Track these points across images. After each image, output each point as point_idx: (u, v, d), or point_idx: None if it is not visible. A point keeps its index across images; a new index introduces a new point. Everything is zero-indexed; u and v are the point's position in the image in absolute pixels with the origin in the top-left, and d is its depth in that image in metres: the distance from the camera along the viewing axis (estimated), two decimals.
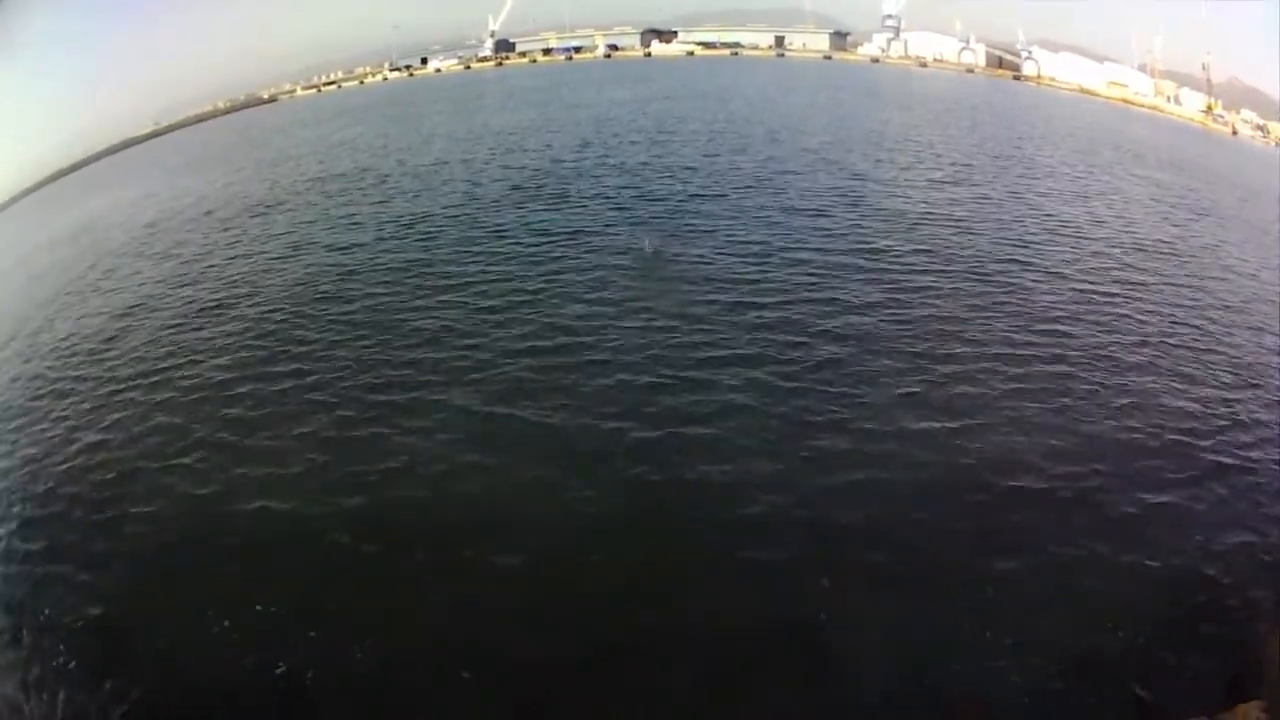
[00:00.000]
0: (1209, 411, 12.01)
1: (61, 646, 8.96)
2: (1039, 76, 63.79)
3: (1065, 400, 11.96)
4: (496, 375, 12.91)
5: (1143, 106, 54.24)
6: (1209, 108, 53.12)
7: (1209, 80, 55.13)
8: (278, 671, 7.77)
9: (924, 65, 71.73)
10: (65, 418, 14.09)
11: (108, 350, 16.75)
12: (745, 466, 10.30)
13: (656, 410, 11.54)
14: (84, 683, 8.40)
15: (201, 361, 15.22)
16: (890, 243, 18.71)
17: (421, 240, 20.95)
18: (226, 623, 8.53)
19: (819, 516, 9.38)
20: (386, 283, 17.84)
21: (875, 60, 75.84)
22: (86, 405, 14.35)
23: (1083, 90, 58.73)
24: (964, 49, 71.28)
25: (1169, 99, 55.69)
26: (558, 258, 18.28)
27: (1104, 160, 31.47)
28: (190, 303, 18.90)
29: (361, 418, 12.14)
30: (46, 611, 9.49)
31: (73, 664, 8.65)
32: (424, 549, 9.20)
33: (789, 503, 9.59)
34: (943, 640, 7.80)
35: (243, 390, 13.55)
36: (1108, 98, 56.40)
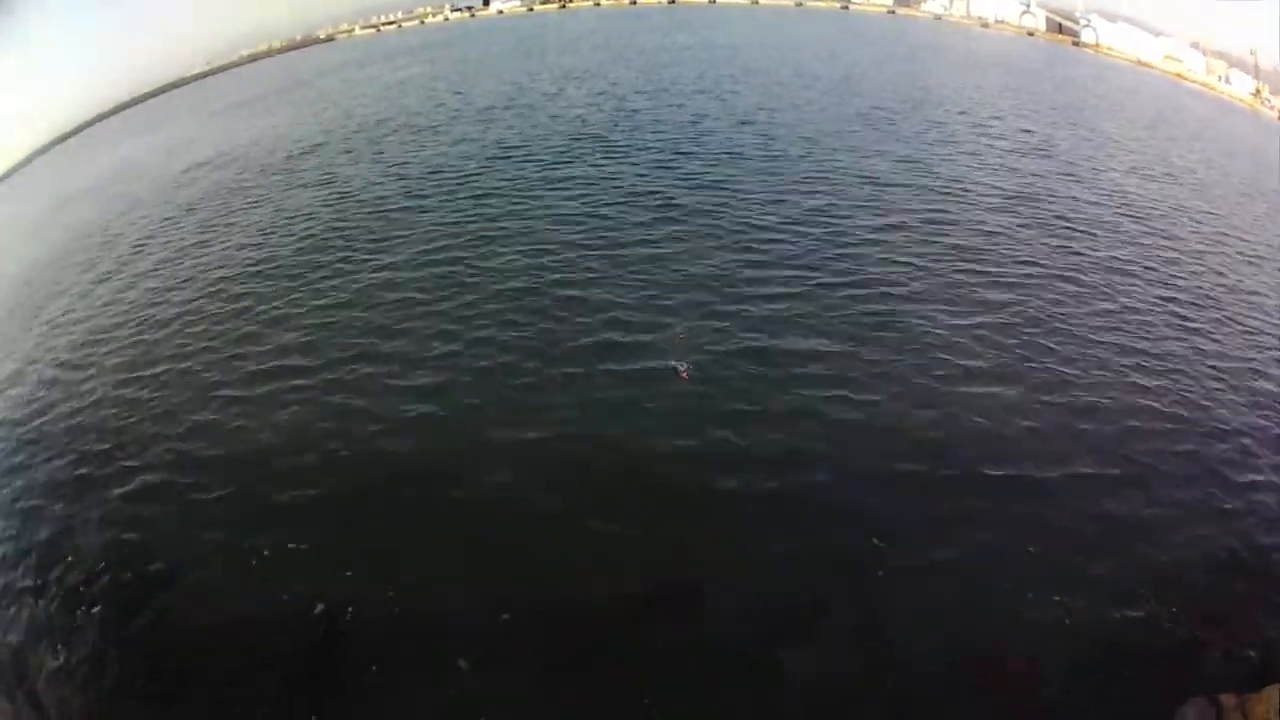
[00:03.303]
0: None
1: (84, 588, 9.18)
2: (1097, 45, 61.77)
3: (1132, 378, 11.78)
4: (540, 325, 12.77)
5: (1194, 83, 52.70)
6: (1257, 91, 51.70)
7: (1256, 65, 54.13)
8: (316, 611, 7.92)
9: (985, 26, 69.56)
10: (102, 363, 14.33)
11: (144, 296, 16.97)
12: (820, 421, 10.29)
13: (728, 371, 11.36)
14: (110, 623, 8.59)
15: (238, 305, 15.34)
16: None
17: (464, 191, 20.34)
18: (263, 561, 8.67)
19: (873, 471, 9.41)
20: (425, 231, 17.61)
21: (937, 18, 72.83)
22: (123, 351, 14.58)
23: (1139, 62, 56.91)
24: (1025, 12, 68.87)
25: (1220, 78, 54.16)
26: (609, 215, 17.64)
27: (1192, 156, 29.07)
28: (226, 247, 18.98)
29: (401, 361, 12.13)
30: (73, 551, 9.68)
31: (97, 607, 8.80)
32: (463, 491, 9.25)
33: (859, 462, 9.63)
34: (987, 602, 7.88)
35: (281, 334, 13.62)
36: (1163, 71, 54.65)
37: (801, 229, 16.34)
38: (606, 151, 22.48)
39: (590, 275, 14.27)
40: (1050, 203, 19.09)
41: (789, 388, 10.88)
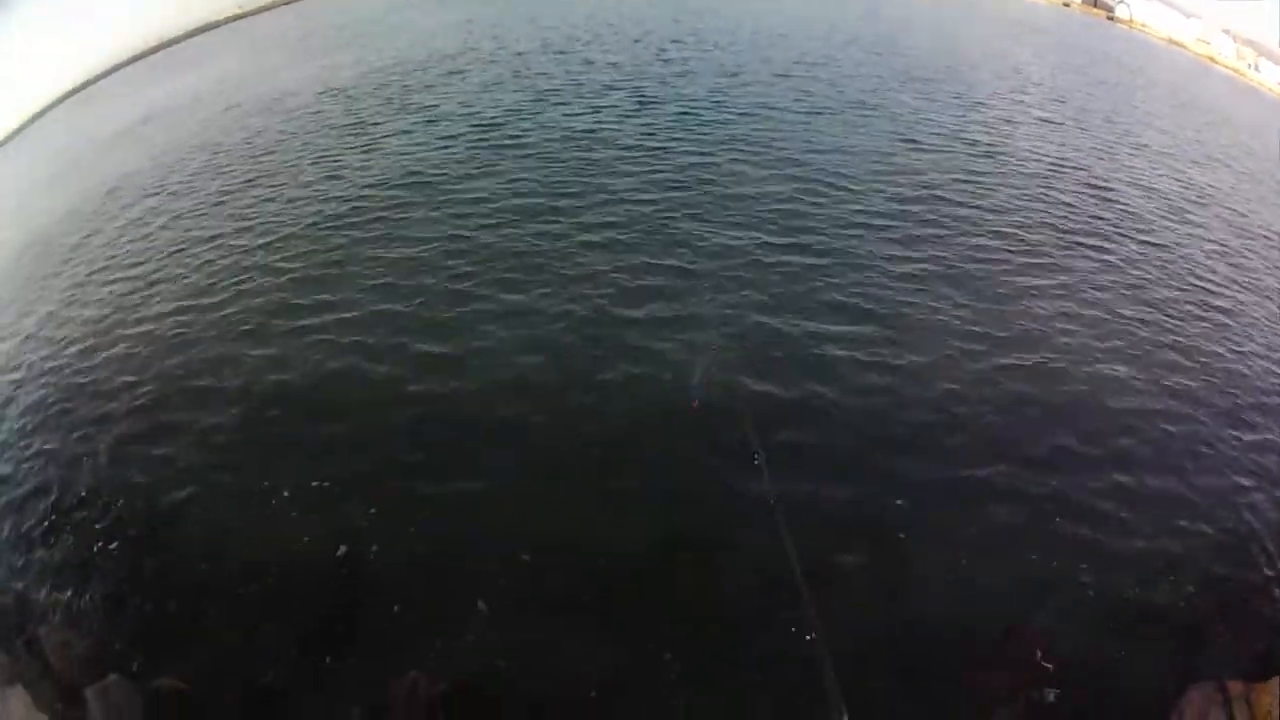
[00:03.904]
0: None
1: (96, 528, 8.94)
2: (1131, 20, 60.05)
3: (1168, 356, 11.70)
4: (566, 272, 12.42)
5: (1225, 67, 51.65)
6: None
7: None
8: (338, 552, 7.79)
9: None
10: (123, 305, 13.85)
11: (166, 242, 16.28)
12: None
13: (755, 328, 11.16)
14: (121, 564, 8.41)
15: (258, 249, 14.84)
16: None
17: (494, 138, 19.41)
18: (283, 501, 8.49)
19: (899, 436, 9.32)
20: (453, 178, 16.99)
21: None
22: (144, 293, 14.08)
23: (1171, 41, 55.49)
24: None
25: (1250, 65, 53.18)
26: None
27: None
28: (249, 193, 18.23)
29: (428, 305, 11.83)
30: (85, 491, 9.42)
31: (108, 547, 8.62)
32: (490, 436, 9.06)
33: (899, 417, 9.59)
34: (1006, 570, 7.89)
35: (303, 277, 13.23)
36: (1194, 53, 53.38)
37: (833, 187, 15.88)
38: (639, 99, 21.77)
39: (616, 221, 13.94)
40: (1083, 174, 18.72)
41: (816, 347, 10.69)
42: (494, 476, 8.43)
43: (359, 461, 8.84)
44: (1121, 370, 11.11)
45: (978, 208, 15.53)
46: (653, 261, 12.62)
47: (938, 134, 20.01)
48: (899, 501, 8.32)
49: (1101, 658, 7.40)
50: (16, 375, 13.54)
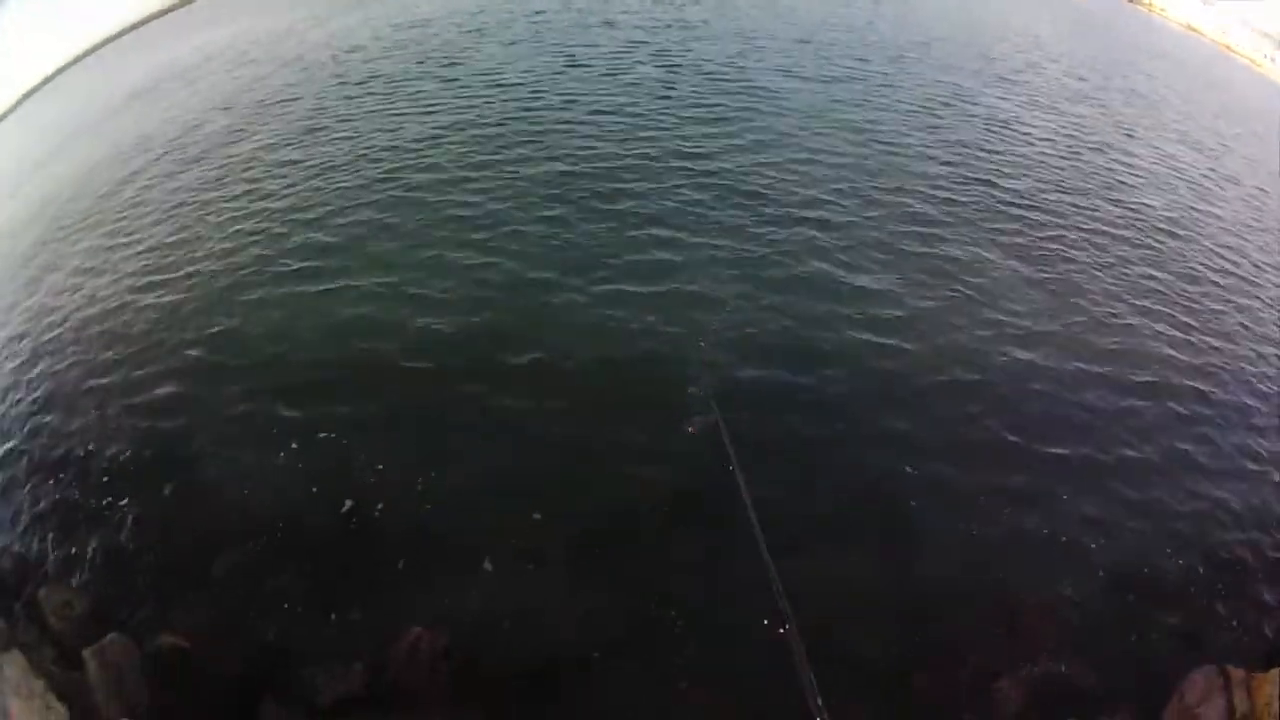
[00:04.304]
0: None
1: (100, 478, 8.83)
2: (1150, 4, 58.80)
3: (1188, 336, 11.59)
4: (582, 231, 12.30)
5: (1242, 57, 50.80)
6: None
7: None
8: (345, 507, 7.71)
9: None
10: (136, 253, 13.88)
11: (178, 195, 16.22)
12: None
13: (768, 289, 11.00)
14: (124, 514, 8.31)
15: (274, 203, 14.69)
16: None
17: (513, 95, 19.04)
18: (291, 453, 8.38)
19: (910, 402, 9.21)
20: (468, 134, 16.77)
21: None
22: (159, 243, 14.03)
23: (1189, 27, 54.49)
24: None
25: (1266, 57, 52.41)
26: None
27: None
28: (262, 147, 18.06)
29: (444, 261, 11.62)
30: (92, 440, 9.29)
31: (111, 497, 8.50)
32: (502, 392, 8.91)
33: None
34: (1015, 539, 7.86)
35: (316, 232, 13.07)
36: (1212, 40, 52.45)
37: (850, 152, 15.67)
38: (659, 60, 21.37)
39: (627, 185, 13.70)
40: (1101, 151, 18.47)
41: (829, 308, 10.56)
42: (505, 434, 8.32)
43: (369, 415, 8.74)
44: (1143, 343, 11.02)
45: (993, 181, 15.31)
46: (669, 222, 12.47)
47: (951, 104, 19.77)
48: (908, 468, 8.24)
49: (1107, 634, 7.37)
50: (22, 327, 13.53)
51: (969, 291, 11.37)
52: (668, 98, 18.18)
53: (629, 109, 17.41)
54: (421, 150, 15.84)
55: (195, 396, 9.57)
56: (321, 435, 8.46)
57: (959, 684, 6.87)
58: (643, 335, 9.91)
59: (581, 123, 16.64)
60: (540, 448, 8.20)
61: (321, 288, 11.30)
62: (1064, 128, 19.72)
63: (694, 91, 18.78)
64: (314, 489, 7.89)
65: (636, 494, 7.59)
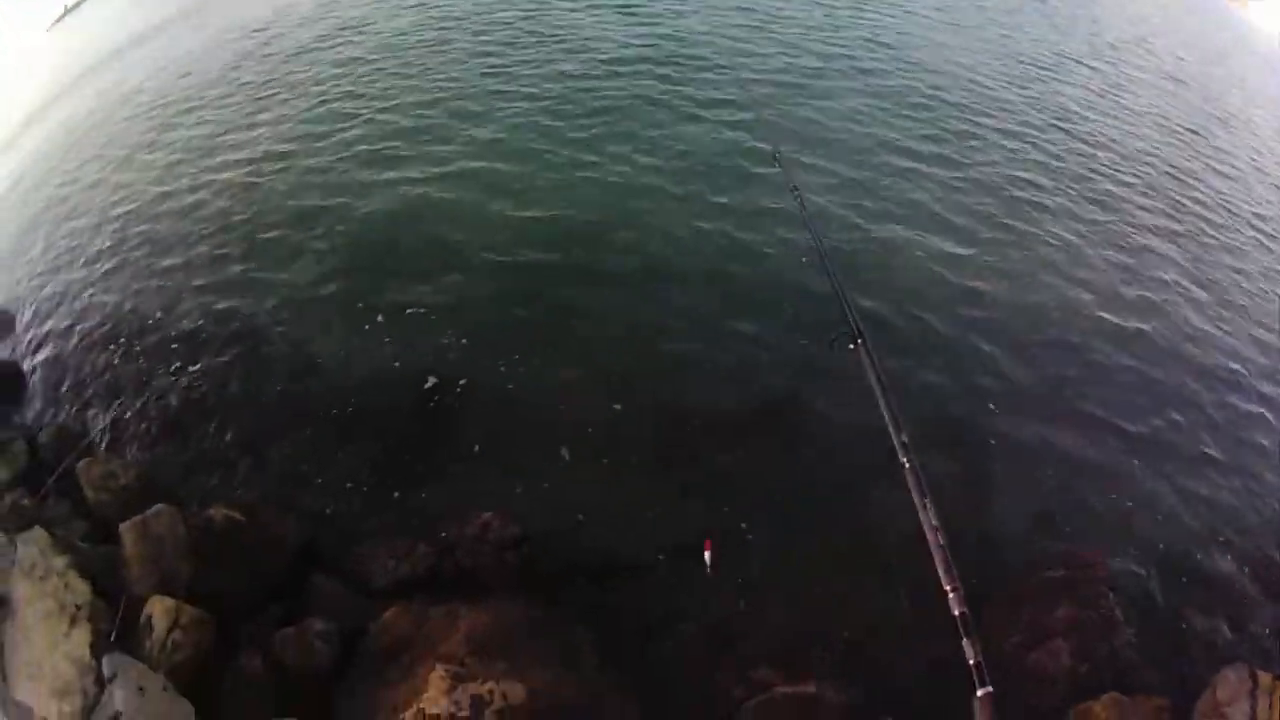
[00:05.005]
0: None
1: (171, 347, 8.82)
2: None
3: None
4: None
5: None
6: None
7: None
8: (427, 383, 7.63)
9: None
10: (218, 139, 13.99)
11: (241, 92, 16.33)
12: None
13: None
14: (191, 387, 8.25)
15: (345, 92, 14.94)
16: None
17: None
18: (376, 325, 8.31)
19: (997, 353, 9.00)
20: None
21: None
22: (237, 131, 14.10)
23: None
24: None
25: None
26: None
27: None
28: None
29: (546, 137, 11.79)
30: (157, 309, 9.30)
31: (183, 365, 8.42)
32: (597, 280, 8.86)
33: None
34: (1082, 501, 7.80)
35: (396, 117, 13.18)
36: None
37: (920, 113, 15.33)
38: None
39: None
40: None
41: (916, 251, 10.37)
42: (598, 324, 8.23)
43: (460, 292, 8.67)
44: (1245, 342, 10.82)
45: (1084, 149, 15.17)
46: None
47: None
48: (991, 406, 8.18)
49: (1156, 612, 7.30)
50: (89, 204, 13.61)
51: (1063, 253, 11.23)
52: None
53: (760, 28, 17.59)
54: (529, 45, 15.88)
55: (270, 275, 9.49)
56: (409, 311, 8.36)
57: (1007, 638, 6.86)
58: (760, 250, 9.72)
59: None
60: (635, 344, 8.10)
61: (418, 173, 11.20)
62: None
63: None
64: (396, 364, 7.81)
65: (721, 406, 7.42)
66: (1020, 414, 8.26)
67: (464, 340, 8.00)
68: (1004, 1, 24.75)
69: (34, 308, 11.45)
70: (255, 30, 21.14)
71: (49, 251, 12.74)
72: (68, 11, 54.04)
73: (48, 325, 10.77)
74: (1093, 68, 20.82)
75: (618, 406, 7.34)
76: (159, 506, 6.84)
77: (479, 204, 10.31)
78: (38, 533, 6.63)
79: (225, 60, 19.44)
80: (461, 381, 7.57)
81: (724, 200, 10.59)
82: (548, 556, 6.40)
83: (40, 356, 10.21)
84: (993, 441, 7.86)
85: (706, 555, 5.69)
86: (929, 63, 17.62)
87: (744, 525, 6.61)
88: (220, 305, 9.18)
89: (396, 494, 6.89)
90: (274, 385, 7.92)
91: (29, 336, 10.88)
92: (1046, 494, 7.68)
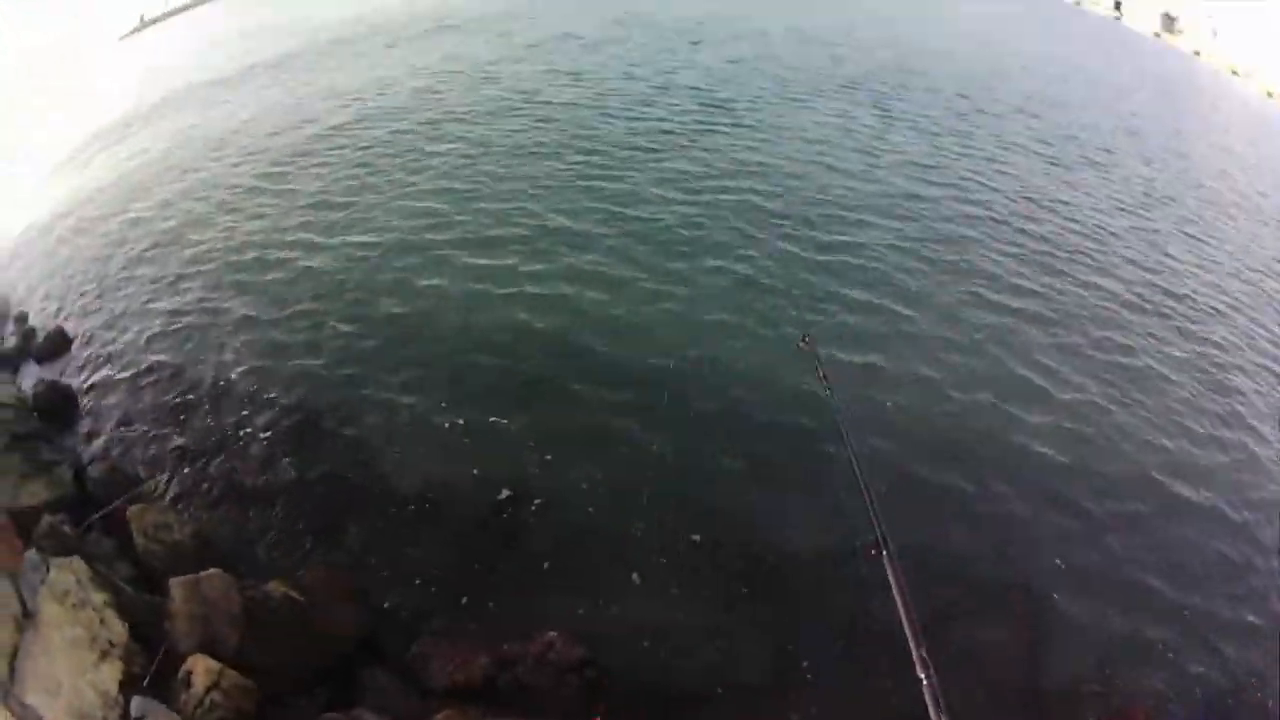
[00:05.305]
0: None
1: (242, 414, 8.81)
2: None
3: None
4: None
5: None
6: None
7: None
8: (501, 496, 7.71)
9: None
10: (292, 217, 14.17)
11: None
12: None
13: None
14: (261, 458, 8.26)
15: (408, 181, 15.25)
16: None
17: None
18: (457, 430, 8.46)
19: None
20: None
21: (1197, 53, 65.00)
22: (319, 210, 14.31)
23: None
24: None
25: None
26: None
27: None
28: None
29: (627, 263, 11.89)
30: (251, 400, 9.29)
31: (255, 436, 8.44)
32: (682, 407, 8.85)
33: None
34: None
35: (489, 221, 13.38)
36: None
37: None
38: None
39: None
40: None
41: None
42: (682, 457, 8.21)
43: (545, 408, 8.77)
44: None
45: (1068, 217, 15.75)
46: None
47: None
48: (1056, 560, 8.06)
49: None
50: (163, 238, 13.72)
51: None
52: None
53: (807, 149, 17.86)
54: (623, 170, 15.76)
55: (363, 353, 9.70)
56: (492, 421, 8.47)
57: None
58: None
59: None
60: (714, 471, 8.12)
61: (510, 289, 11.26)
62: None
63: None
64: (474, 470, 7.88)
65: (799, 543, 7.40)
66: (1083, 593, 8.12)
67: (547, 457, 8.09)
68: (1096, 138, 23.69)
69: (90, 335, 11.71)
70: (345, 96, 21.61)
71: (112, 282, 13.09)
72: (144, 24, 56.10)
73: (105, 357, 11.00)
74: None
75: (695, 538, 7.34)
76: (214, 571, 6.91)
77: (568, 328, 10.39)
78: (77, 562, 6.76)
79: (312, 119, 19.93)
80: (538, 500, 7.63)
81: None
82: (610, 683, 6.31)
83: (95, 387, 10.41)
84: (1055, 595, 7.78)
85: None
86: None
87: (807, 669, 6.53)
88: (297, 384, 9.35)
89: (463, 600, 6.89)
90: (348, 471, 7.99)
91: (84, 363, 11.08)
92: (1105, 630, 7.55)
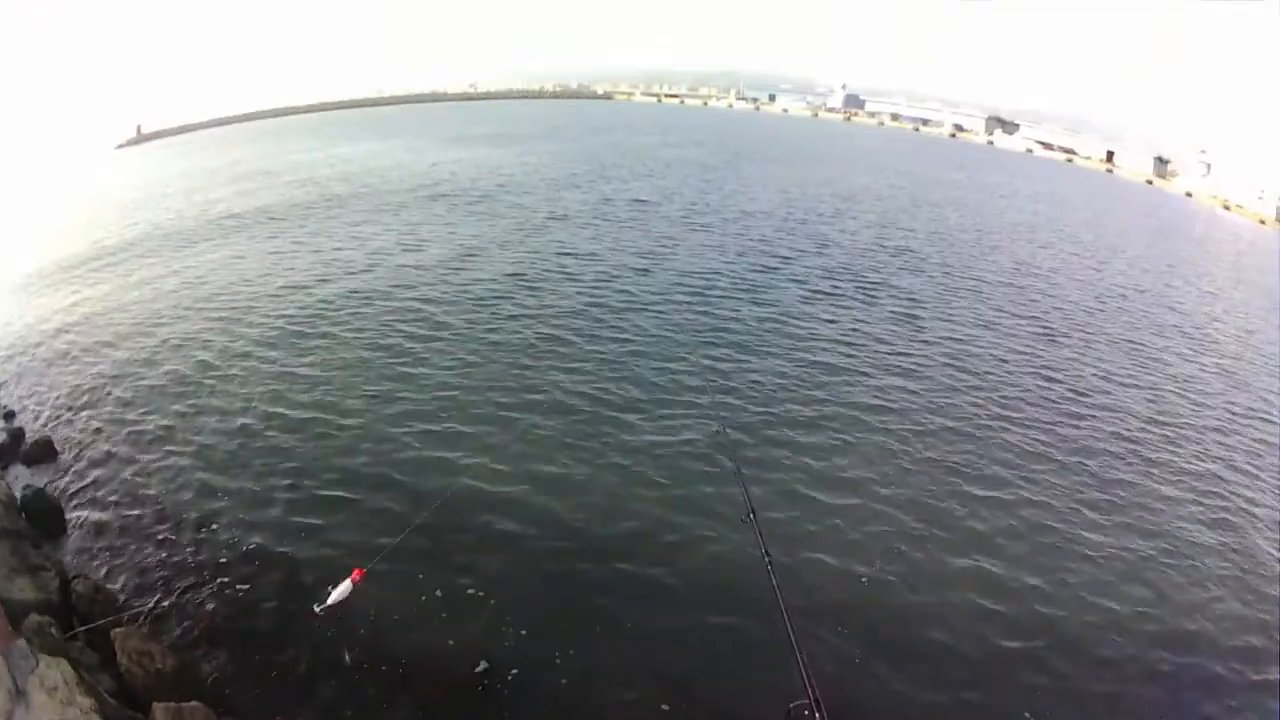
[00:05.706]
0: None
1: (222, 560, 9.11)
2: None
3: None
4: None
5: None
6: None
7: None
8: (478, 668, 7.78)
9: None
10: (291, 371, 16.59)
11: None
12: None
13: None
14: (244, 607, 8.44)
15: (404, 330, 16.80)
16: None
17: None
18: (435, 601, 8.65)
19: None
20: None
21: (1189, 194, 65.53)
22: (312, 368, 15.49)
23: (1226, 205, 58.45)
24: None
25: None
26: None
27: None
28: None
29: (607, 428, 12.68)
30: (236, 557, 9.37)
31: (236, 583, 8.71)
32: (666, 578, 9.10)
33: None
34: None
35: (460, 380, 14.40)
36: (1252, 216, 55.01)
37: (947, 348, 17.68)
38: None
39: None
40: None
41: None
42: (655, 622, 8.33)
43: (523, 581, 8.92)
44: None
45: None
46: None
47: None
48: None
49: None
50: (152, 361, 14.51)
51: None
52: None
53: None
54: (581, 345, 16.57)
55: (323, 521, 9.96)
56: (470, 592, 8.58)
57: None
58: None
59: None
60: (691, 642, 8.19)
61: (492, 439, 11.95)
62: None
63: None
64: (450, 641, 7.97)
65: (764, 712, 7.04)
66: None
67: (522, 631, 8.16)
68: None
69: (79, 449, 12.03)
70: (324, 256, 22.91)
71: (99, 398, 13.66)
72: (140, 138, 58.67)
73: (91, 476, 11.30)
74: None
75: (665, 707, 7.39)
76: (196, 704, 7.09)
77: (528, 496, 10.69)
78: (64, 664, 6.86)
79: (313, 263, 21.56)
80: (514, 671, 7.69)
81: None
82: None
83: (81, 502, 10.70)
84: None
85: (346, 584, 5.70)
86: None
87: None
88: (275, 532, 9.64)
89: None
90: (324, 633, 7.93)
91: (71, 475, 11.37)
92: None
